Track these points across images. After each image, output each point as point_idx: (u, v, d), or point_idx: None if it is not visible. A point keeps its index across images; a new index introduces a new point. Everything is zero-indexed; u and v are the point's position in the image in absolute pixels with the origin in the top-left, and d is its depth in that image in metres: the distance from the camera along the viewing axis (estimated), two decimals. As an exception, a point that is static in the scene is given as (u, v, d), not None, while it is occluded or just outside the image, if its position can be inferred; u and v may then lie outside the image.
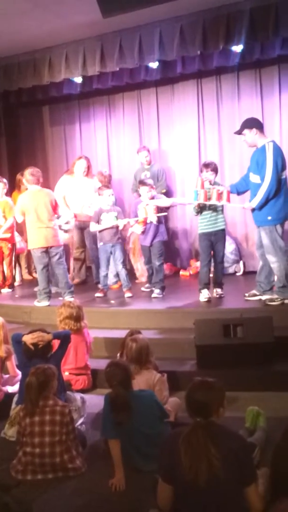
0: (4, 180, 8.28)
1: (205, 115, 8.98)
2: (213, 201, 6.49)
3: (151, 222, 7.10)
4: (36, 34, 7.81)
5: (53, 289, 7.34)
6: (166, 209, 7.38)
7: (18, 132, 10.45)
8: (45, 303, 7.07)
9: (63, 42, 8.13)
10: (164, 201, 7.29)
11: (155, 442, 3.69)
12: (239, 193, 6.58)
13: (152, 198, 7.20)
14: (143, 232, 7.23)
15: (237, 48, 7.44)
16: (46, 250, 7.03)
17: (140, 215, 7.13)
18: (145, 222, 7.13)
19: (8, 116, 10.22)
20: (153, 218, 7.05)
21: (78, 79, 8.58)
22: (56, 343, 4.78)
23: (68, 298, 6.90)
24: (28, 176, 7.17)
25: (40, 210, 7.00)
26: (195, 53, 7.46)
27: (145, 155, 8.62)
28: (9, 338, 5.28)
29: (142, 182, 7.38)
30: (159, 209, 7.09)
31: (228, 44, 7.15)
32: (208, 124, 8.97)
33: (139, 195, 7.42)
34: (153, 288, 7.26)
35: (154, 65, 8.02)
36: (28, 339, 4.61)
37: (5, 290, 8.14)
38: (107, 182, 8.38)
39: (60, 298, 6.90)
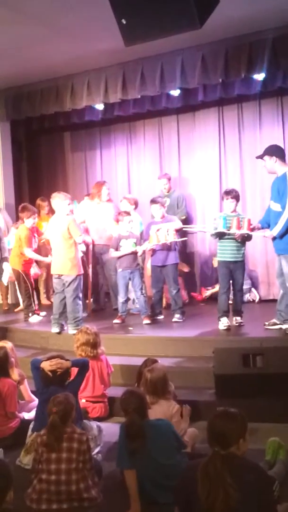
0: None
1: (226, 143, 8.99)
2: (234, 230, 6.46)
3: (164, 244, 7.11)
4: (59, 61, 7.92)
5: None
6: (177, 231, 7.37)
7: (40, 157, 10.57)
8: (55, 329, 7.03)
9: (85, 69, 8.24)
10: (175, 224, 7.27)
11: (171, 473, 3.60)
12: (269, 226, 6.44)
13: (163, 217, 7.25)
14: (154, 251, 7.21)
15: (259, 77, 7.44)
16: (59, 277, 7.03)
17: (151, 240, 7.15)
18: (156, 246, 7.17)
19: (30, 142, 10.36)
20: (170, 238, 7.07)
21: (100, 106, 8.65)
22: (74, 370, 4.73)
23: (71, 329, 6.86)
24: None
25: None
26: (217, 81, 7.50)
27: (164, 182, 8.63)
28: (20, 362, 5.29)
29: (153, 201, 7.39)
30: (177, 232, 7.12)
31: (250, 72, 7.18)
32: (229, 152, 8.98)
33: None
34: (174, 314, 7.24)
35: (175, 92, 8.07)
36: (46, 365, 4.57)
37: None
38: (135, 206, 8.37)
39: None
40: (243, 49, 7.08)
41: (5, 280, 8.49)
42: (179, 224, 7.49)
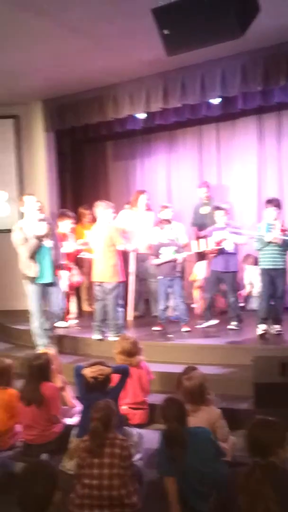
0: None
1: (266, 151, 8.96)
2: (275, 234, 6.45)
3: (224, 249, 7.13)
4: (101, 72, 8.03)
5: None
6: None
7: (83, 167, 10.74)
8: (96, 336, 7.10)
9: (127, 79, 8.33)
10: (240, 239, 7.21)
11: (211, 481, 3.62)
12: None
13: (227, 224, 7.22)
14: (215, 256, 7.21)
15: (299, 85, 7.42)
16: (101, 284, 7.10)
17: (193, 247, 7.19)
18: (216, 250, 7.16)
19: (74, 151, 10.52)
20: (229, 246, 7.07)
21: (141, 115, 8.74)
22: (115, 376, 4.79)
23: (112, 335, 6.95)
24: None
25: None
26: (256, 89, 7.49)
27: (204, 191, 8.68)
28: (64, 368, 5.38)
29: (217, 207, 7.39)
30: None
31: (290, 80, 7.16)
32: (269, 160, 8.96)
33: (198, 229, 7.42)
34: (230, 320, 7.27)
35: (215, 101, 8.09)
36: (88, 372, 4.66)
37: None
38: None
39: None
40: (283, 57, 7.05)
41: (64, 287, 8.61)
42: (243, 240, 7.28)
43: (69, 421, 5.24)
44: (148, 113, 8.62)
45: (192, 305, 8.55)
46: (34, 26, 6.28)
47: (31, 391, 4.98)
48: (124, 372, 4.87)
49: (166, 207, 8.41)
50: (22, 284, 9.39)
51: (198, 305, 8.42)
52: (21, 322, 8.62)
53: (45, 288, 6.95)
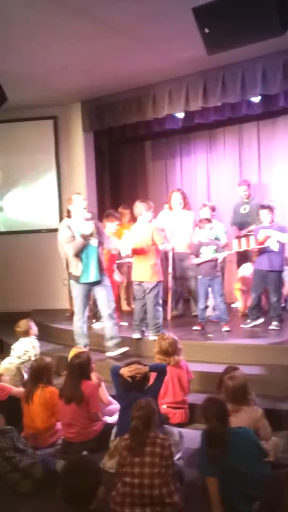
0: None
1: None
2: None
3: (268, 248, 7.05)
4: (141, 72, 8.06)
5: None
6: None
7: (121, 166, 10.78)
8: (136, 335, 7.12)
9: (166, 78, 8.33)
10: (285, 238, 7.08)
11: (252, 481, 3.58)
12: None
13: (272, 221, 7.13)
14: (259, 255, 7.16)
15: None
16: (140, 284, 7.13)
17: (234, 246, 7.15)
18: (260, 249, 7.09)
19: (112, 151, 10.58)
20: (274, 245, 6.99)
21: (180, 114, 8.72)
22: (153, 375, 4.80)
23: (151, 335, 6.93)
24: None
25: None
26: (298, 86, 7.41)
27: (244, 189, 8.61)
28: (99, 367, 5.50)
29: (262, 206, 7.32)
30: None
31: None
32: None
33: (239, 228, 7.36)
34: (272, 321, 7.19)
35: (256, 99, 8.02)
36: (125, 371, 4.66)
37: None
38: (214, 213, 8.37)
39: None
40: None
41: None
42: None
43: (110, 419, 5.26)
44: (187, 112, 8.60)
45: (232, 305, 8.50)
46: (72, 27, 6.34)
47: (71, 389, 5.01)
48: (161, 371, 4.85)
49: (205, 205, 8.37)
50: (61, 283, 9.57)
51: (238, 305, 8.37)
52: (60, 321, 8.73)
53: (91, 288, 6.95)
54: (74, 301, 7.06)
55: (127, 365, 4.76)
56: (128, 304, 9.20)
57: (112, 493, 3.80)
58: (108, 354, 6.87)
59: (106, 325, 6.99)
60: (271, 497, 2.82)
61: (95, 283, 6.88)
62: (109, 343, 6.91)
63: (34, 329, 6.86)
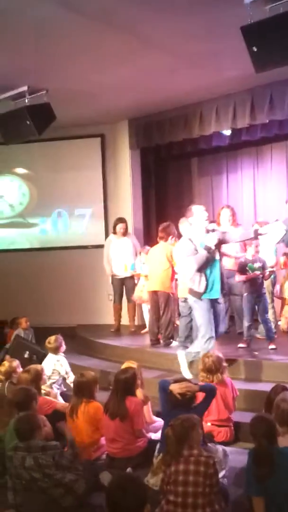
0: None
1: None
2: None
3: None
4: (188, 90, 8.10)
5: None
6: None
7: (167, 183, 10.83)
8: (179, 351, 7.08)
9: (214, 96, 8.36)
10: None
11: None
12: None
13: None
14: None
15: None
16: (186, 300, 7.10)
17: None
18: None
19: (159, 168, 10.66)
20: None
21: (227, 132, 8.73)
22: (199, 395, 4.78)
23: (179, 351, 6.87)
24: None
25: None
26: None
27: (293, 205, 8.51)
28: (146, 383, 5.46)
29: None
30: None
31: None
32: None
33: (287, 245, 7.28)
34: None
35: (304, 115, 7.97)
36: (176, 388, 4.65)
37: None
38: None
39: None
40: None
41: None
42: None
43: (154, 436, 5.24)
44: (234, 129, 8.60)
45: (279, 322, 8.39)
46: (121, 45, 6.41)
47: (116, 405, 5.02)
48: (210, 392, 4.83)
49: (258, 223, 8.28)
50: (105, 299, 9.63)
51: (285, 322, 8.25)
52: (104, 336, 8.77)
53: (213, 304, 6.46)
54: (199, 320, 6.42)
55: (176, 381, 4.76)
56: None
57: (156, 510, 3.78)
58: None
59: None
60: None
61: (216, 300, 6.49)
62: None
63: (64, 346, 6.86)
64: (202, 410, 4.76)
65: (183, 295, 7.11)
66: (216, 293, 6.36)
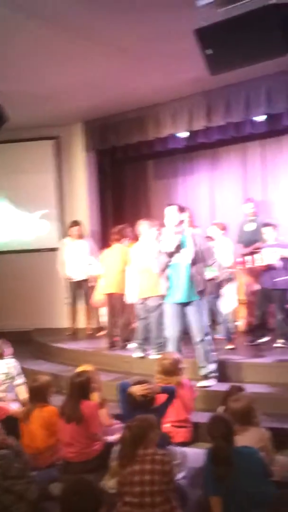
0: None
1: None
2: None
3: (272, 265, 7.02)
4: (144, 92, 8.11)
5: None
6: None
7: (124, 186, 10.81)
8: (138, 354, 7.07)
9: (170, 98, 8.39)
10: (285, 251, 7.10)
11: (258, 501, 3.50)
12: None
13: (276, 239, 7.16)
14: (263, 274, 7.16)
15: None
16: (144, 302, 7.10)
17: (264, 259, 7.09)
18: (264, 266, 7.08)
19: (115, 171, 10.61)
20: (278, 263, 6.98)
21: (183, 134, 8.76)
22: (160, 396, 4.77)
23: (153, 353, 6.89)
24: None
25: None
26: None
27: (250, 206, 8.61)
28: (103, 386, 5.43)
29: (266, 224, 7.34)
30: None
31: None
32: None
33: (244, 246, 7.35)
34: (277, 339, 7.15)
35: (260, 118, 8.05)
36: (137, 390, 4.65)
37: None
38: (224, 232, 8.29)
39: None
40: None
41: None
42: None
43: (110, 439, 5.19)
44: (190, 131, 8.64)
45: (236, 323, 8.44)
46: (75, 46, 6.38)
47: (71, 409, 4.93)
48: (171, 393, 4.86)
49: (215, 224, 8.32)
50: (61, 302, 9.54)
51: (242, 323, 8.34)
52: (60, 340, 8.68)
53: (182, 309, 6.22)
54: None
55: (136, 383, 4.74)
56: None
57: (113, 512, 3.73)
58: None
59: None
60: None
61: (185, 304, 6.22)
62: (202, 371, 6.26)
63: (8, 349, 6.66)
64: (163, 412, 4.76)
65: (141, 296, 7.09)
66: (180, 298, 6.19)
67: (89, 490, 2.82)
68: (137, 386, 4.68)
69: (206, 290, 6.18)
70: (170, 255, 6.15)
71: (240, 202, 9.03)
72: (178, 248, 6.12)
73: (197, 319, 6.12)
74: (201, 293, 6.11)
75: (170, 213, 6.19)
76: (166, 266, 6.20)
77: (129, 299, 7.47)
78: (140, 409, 4.50)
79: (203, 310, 6.17)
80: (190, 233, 6.24)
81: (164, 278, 6.26)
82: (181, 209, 6.27)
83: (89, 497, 2.76)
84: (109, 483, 4.38)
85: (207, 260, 6.17)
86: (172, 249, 6.13)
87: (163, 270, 6.23)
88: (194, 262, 6.08)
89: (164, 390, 4.81)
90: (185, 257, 6.10)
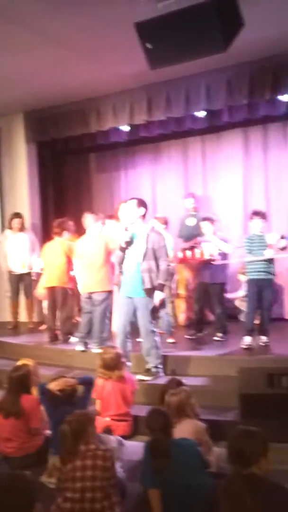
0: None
1: (251, 164, 9.04)
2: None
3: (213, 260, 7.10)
4: (85, 84, 8.04)
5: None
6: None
7: (65, 178, 10.70)
8: (80, 348, 7.08)
9: (111, 91, 8.36)
10: (227, 247, 7.22)
11: (196, 492, 3.57)
12: None
13: (214, 233, 7.26)
14: (202, 268, 7.23)
15: (284, 98, 7.49)
16: (90, 296, 7.09)
17: (204, 253, 7.16)
18: (203, 261, 7.15)
19: (56, 163, 10.50)
20: (216, 257, 7.07)
21: (125, 128, 8.77)
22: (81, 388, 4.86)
23: (95, 347, 6.91)
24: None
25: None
26: (242, 102, 7.55)
27: (191, 202, 8.70)
28: (45, 380, 5.30)
29: (204, 218, 7.45)
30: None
31: (275, 93, 7.24)
32: (254, 172, 9.02)
33: (185, 241, 7.42)
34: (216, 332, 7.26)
35: (200, 114, 8.13)
36: (53, 386, 4.72)
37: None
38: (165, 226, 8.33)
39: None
40: (268, 70, 7.14)
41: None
42: (229, 248, 7.26)
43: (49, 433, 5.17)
44: (132, 125, 8.64)
45: (178, 317, 8.53)
46: (15, 37, 6.28)
47: (10, 403, 4.90)
48: (89, 383, 4.94)
49: (157, 218, 8.37)
50: (2, 296, 9.40)
51: (183, 317, 8.44)
52: (0, 334, 8.57)
53: (132, 302, 6.28)
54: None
55: (52, 380, 4.81)
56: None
57: (51, 507, 3.72)
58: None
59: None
60: (210, 508, 2.82)
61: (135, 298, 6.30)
62: (146, 365, 6.29)
63: None
64: (86, 402, 4.85)
65: (87, 290, 7.08)
66: (128, 292, 6.25)
67: (22, 485, 2.78)
68: (53, 383, 4.75)
69: (156, 288, 6.12)
70: (122, 249, 6.19)
71: (181, 196, 9.10)
72: (128, 244, 6.16)
73: (142, 315, 6.18)
74: (149, 291, 6.11)
75: (127, 208, 6.22)
76: (122, 260, 6.26)
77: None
78: (64, 404, 4.58)
79: (149, 306, 6.17)
80: (145, 230, 6.22)
81: (118, 271, 6.35)
82: (140, 204, 6.28)
83: (21, 492, 2.72)
84: (48, 479, 4.39)
85: (159, 260, 6.14)
86: (123, 244, 6.16)
87: (119, 263, 6.31)
88: (144, 260, 6.10)
89: (81, 382, 4.87)
90: (135, 254, 6.14)
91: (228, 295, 8.12)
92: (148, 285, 6.10)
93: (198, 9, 4.76)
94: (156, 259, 6.12)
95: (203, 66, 7.12)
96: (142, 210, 6.23)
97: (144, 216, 6.29)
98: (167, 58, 5.27)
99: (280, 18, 6.09)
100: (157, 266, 6.12)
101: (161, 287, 6.13)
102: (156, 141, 9.69)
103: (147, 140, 9.54)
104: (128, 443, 4.94)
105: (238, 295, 8.32)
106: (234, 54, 5.71)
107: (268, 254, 6.53)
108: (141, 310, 6.16)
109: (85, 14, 5.76)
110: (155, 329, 6.26)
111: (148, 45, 5.15)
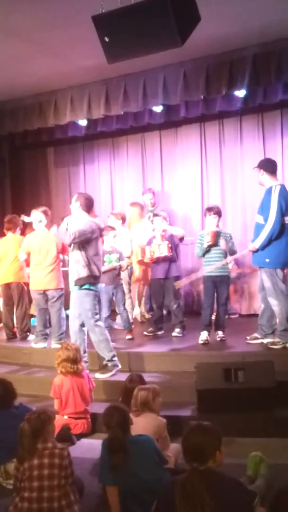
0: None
1: (208, 158, 9.09)
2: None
3: (165, 256, 7.11)
4: (42, 78, 7.96)
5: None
6: (180, 240, 7.41)
7: (23, 173, 10.55)
8: (42, 345, 7.01)
9: (68, 85, 8.30)
10: (178, 231, 7.33)
11: (153, 488, 3.56)
12: None
13: (165, 230, 7.28)
14: (155, 263, 7.24)
15: (240, 93, 7.56)
16: (44, 293, 7.02)
17: (153, 250, 7.17)
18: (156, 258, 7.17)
19: (13, 157, 10.34)
20: (164, 250, 7.08)
21: (83, 122, 8.71)
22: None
23: (54, 343, 6.87)
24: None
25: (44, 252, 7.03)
26: (198, 97, 7.61)
27: (149, 197, 8.69)
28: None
29: (155, 214, 7.47)
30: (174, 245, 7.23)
31: (231, 89, 7.30)
32: (211, 167, 9.08)
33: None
34: (174, 328, 7.27)
35: (158, 109, 8.14)
36: None
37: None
38: (122, 222, 8.31)
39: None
40: (224, 66, 7.20)
41: None
42: (180, 232, 7.47)
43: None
44: (90, 120, 8.59)
45: (135, 313, 8.53)
46: None
47: None
48: None
49: (114, 214, 8.33)
50: None
51: (140, 313, 8.44)
52: None
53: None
54: None
55: None
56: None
57: (10, 508, 3.67)
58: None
59: None
60: (166, 504, 2.82)
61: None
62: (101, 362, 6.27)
63: None
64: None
65: (40, 287, 7.01)
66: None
67: None
68: None
69: (85, 279, 5.97)
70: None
71: (140, 191, 9.08)
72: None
73: (73, 307, 6.11)
74: (77, 282, 5.99)
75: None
76: None
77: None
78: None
79: (82, 299, 6.02)
80: (68, 220, 6.19)
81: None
82: (77, 198, 6.28)
83: None
84: (6, 479, 4.33)
85: (83, 250, 5.96)
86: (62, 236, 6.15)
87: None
88: (71, 250, 6.08)
89: None
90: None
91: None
92: (74, 277, 5.99)
93: (154, 3, 4.74)
94: (79, 249, 5.97)
95: (160, 61, 7.12)
96: (78, 203, 6.20)
97: (86, 209, 6.22)
98: (124, 52, 5.23)
99: (236, 13, 6.14)
100: (86, 257, 5.95)
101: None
102: (115, 136, 9.68)
103: (106, 134, 9.52)
104: (86, 441, 4.92)
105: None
106: (191, 49, 5.73)
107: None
108: (73, 302, 6.10)
109: (44, 7, 5.72)
110: (98, 324, 6.14)
111: (106, 39, 5.11)
